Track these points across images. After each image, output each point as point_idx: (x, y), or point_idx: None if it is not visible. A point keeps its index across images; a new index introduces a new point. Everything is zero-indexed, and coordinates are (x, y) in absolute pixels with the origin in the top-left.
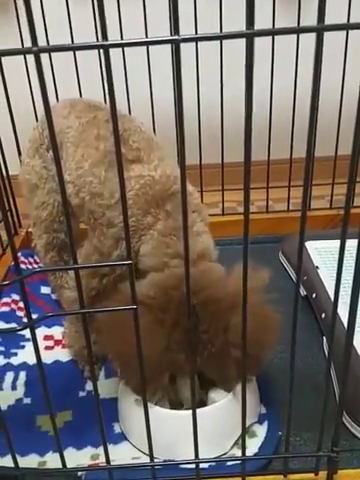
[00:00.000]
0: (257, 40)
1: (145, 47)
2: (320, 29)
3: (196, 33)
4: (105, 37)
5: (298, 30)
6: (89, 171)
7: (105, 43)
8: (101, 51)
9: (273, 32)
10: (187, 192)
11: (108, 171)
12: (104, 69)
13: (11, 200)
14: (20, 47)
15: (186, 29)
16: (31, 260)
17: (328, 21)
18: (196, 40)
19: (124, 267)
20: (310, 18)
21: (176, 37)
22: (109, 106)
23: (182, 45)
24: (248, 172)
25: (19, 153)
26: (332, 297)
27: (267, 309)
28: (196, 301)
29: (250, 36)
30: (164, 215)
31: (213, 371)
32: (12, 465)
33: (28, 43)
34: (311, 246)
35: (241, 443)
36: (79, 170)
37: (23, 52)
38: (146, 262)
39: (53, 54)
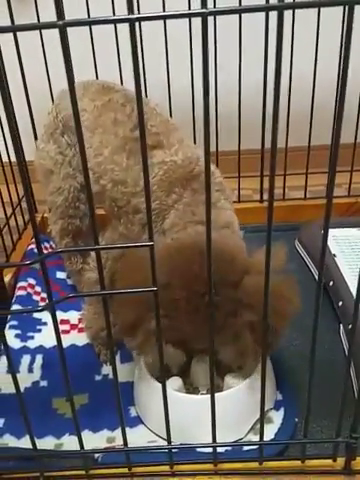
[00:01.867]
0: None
1: (162, 27)
2: (352, 2)
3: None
4: (131, 10)
5: (329, 3)
6: (110, 158)
7: (131, 17)
8: (119, 29)
9: (304, 5)
10: (211, 172)
11: (130, 158)
12: (122, 48)
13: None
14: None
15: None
16: (47, 245)
17: None
18: (225, 13)
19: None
20: None
21: (204, 10)
22: (126, 88)
23: (194, 28)
24: (273, 156)
25: (35, 138)
26: (349, 285)
27: (284, 280)
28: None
29: (281, 8)
30: (190, 193)
31: (226, 338)
32: (29, 447)
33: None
34: (329, 234)
35: (258, 428)
36: (98, 157)
37: (48, 26)
38: (169, 234)
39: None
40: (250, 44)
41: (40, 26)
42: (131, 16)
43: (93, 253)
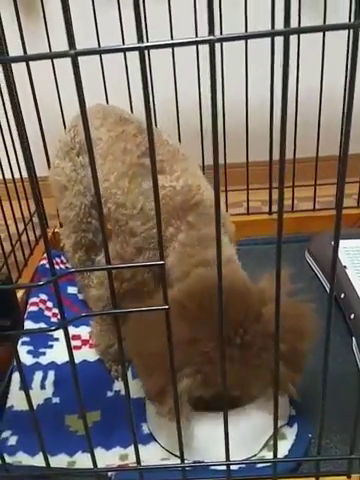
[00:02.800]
0: (279, 40)
1: (169, 50)
2: (358, 25)
3: (221, 34)
4: (141, 39)
5: (336, 27)
6: (115, 184)
7: (141, 45)
8: (128, 55)
9: (310, 30)
10: (211, 202)
11: (131, 183)
12: (131, 73)
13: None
14: (47, 51)
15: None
16: (58, 260)
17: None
18: (231, 40)
19: (145, 274)
20: (336, 17)
21: (211, 37)
22: (140, 118)
23: (205, 46)
24: (283, 171)
25: (47, 156)
26: None
27: (296, 301)
28: (225, 298)
29: (287, 34)
30: (186, 226)
31: (264, 375)
32: (42, 464)
33: (54, 48)
34: (339, 245)
35: (272, 445)
36: (106, 183)
37: (60, 55)
38: (170, 275)
39: (80, 58)
40: (257, 56)
41: (52, 56)
42: (141, 44)
43: (99, 272)
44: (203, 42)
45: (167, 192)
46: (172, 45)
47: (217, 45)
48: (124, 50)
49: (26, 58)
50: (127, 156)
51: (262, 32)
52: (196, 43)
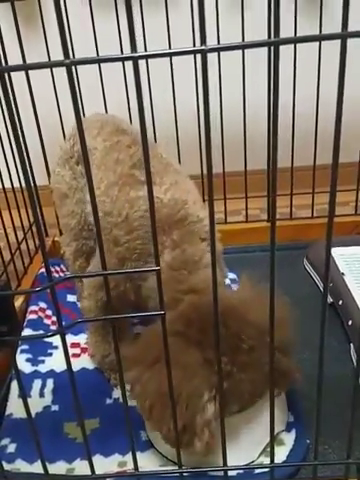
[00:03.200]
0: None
1: (168, 59)
2: (345, 36)
3: (218, 43)
4: (134, 49)
5: (323, 37)
6: (104, 192)
7: (134, 55)
8: (127, 64)
9: (298, 40)
10: (198, 218)
11: (120, 192)
12: (129, 81)
13: (38, 210)
14: (47, 61)
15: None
16: (57, 269)
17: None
18: (223, 50)
19: (127, 284)
20: (332, 26)
21: (203, 47)
22: (137, 129)
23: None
24: (274, 180)
25: (46, 165)
26: (359, 303)
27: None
28: (223, 317)
29: (276, 44)
30: (171, 244)
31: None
32: (41, 471)
33: (54, 57)
34: (336, 253)
35: (269, 451)
36: (96, 191)
37: (55, 65)
38: (157, 298)
39: (78, 67)
40: (255, 65)
41: (48, 65)
42: (134, 54)
43: (85, 282)
44: (195, 52)
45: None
46: (164, 55)
47: (214, 55)
48: (118, 60)
49: (22, 67)
50: (119, 166)
51: (253, 42)
52: (189, 53)
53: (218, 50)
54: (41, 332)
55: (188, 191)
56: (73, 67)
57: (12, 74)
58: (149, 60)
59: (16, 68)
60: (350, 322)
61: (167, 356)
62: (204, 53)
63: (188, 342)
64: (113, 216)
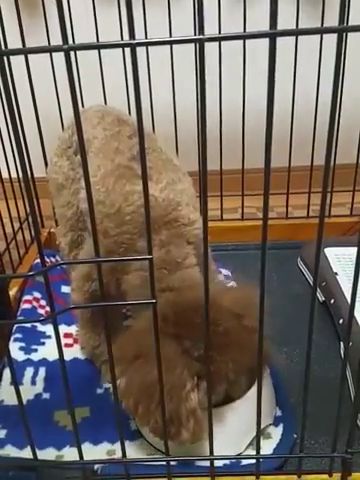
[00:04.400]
0: (279, 45)
1: (168, 50)
2: (342, 30)
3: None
4: (133, 36)
5: (321, 31)
6: (100, 180)
7: (132, 42)
8: (127, 53)
9: (296, 32)
10: (188, 221)
11: (116, 183)
12: (129, 71)
13: (34, 201)
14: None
15: (209, 31)
16: (53, 260)
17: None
18: (220, 39)
19: (109, 276)
20: (334, 20)
21: (201, 36)
22: (135, 112)
23: (206, 48)
24: (267, 180)
25: (44, 156)
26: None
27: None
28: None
29: (273, 36)
30: (158, 243)
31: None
32: (30, 457)
33: (55, 42)
34: (330, 252)
35: (256, 443)
36: (92, 178)
37: (53, 50)
38: (137, 295)
39: (79, 56)
40: (256, 61)
41: (46, 49)
42: (132, 41)
43: (73, 274)
44: (193, 41)
45: None
46: (163, 43)
47: (215, 50)
48: (116, 46)
49: (21, 51)
50: (117, 156)
51: (250, 33)
52: (186, 42)
53: (215, 40)
54: None
55: (183, 192)
56: (72, 54)
57: (12, 64)
58: (150, 55)
59: (15, 52)
60: (341, 321)
61: (158, 349)
62: (201, 42)
63: (165, 337)
64: (105, 206)
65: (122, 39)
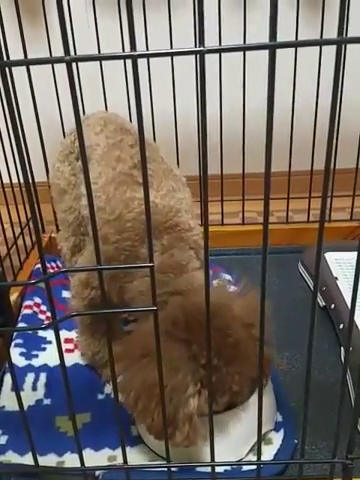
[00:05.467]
0: (279, 52)
1: (169, 59)
2: (340, 42)
3: (220, 44)
4: (134, 48)
5: (320, 42)
6: (101, 187)
7: (134, 53)
8: (128, 62)
9: (295, 44)
10: (188, 227)
11: (117, 190)
12: (130, 80)
13: (35, 206)
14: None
15: (210, 41)
16: (53, 265)
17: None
18: (220, 51)
19: (111, 285)
20: (334, 32)
21: (201, 48)
22: (137, 121)
23: (206, 56)
24: (268, 185)
25: (45, 161)
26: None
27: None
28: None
29: (272, 48)
30: (160, 248)
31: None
32: (32, 463)
33: (56, 52)
34: (331, 257)
35: (257, 449)
36: (93, 185)
37: (55, 61)
38: (145, 301)
39: (80, 66)
40: (256, 68)
41: (49, 61)
42: (133, 53)
43: (72, 281)
44: (193, 53)
45: None
46: (163, 55)
47: (216, 58)
48: (117, 58)
49: (23, 62)
50: (119, 164)
51: (250, 45)
52: (186, 53)
53: (216, 51)
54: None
55: (182, 200)
56: (74, 65)
57: (14, 72)
58: (151, 63)
59: (17, 63)
60: (341, 326)
61: (158, 352)
62: (202, 54)
63: (174, 340)
64: (106, 213)
65: (123, 47)
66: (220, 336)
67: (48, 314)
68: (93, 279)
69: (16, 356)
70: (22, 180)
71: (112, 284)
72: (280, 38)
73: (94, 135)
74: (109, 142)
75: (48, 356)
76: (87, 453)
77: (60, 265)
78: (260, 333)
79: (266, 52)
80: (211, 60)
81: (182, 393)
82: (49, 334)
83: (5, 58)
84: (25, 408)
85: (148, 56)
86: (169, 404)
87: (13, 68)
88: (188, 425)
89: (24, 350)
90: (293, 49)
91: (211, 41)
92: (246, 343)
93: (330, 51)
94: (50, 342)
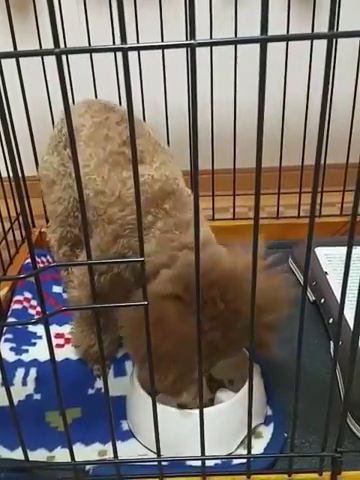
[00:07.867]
0: (271, 47)
1: (160, 53)
2: (331, 36)
3: (211, 38)
4: (124, 40)
5: (311, 36)
6: (94, 170)
7: (124, 46)
8: (118, 56)
9: (286, 38)
10: (186, 193)
11: (111, 171)
12: (120, 73)
13: (25, 200)
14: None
15: (201, 35)
16: (44, 259)
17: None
18: (211, 44)
19: (121, 265)
20: (325, 26)
21: (192, 41)
22: (126, 109)
23: (197, 50)
24: (259, 180)
25: (35, 155)
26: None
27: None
28: (215, 277)
29: (263, 41)
30: (163, 213)
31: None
32: (22, 458)
33: (46, 45)
34: (321, 252)
35: (247, 443)
36: (85, 168)
37: (45, 53)
38: (154, 261)
39: (70, 58)
40: (248, 63)
41: (38, 53)
42: (124, 45)
43: (76, 271)
44: (184, 46)
45: (146, 180)
46: (154, 47)
47: (207, 52)
48: (107, 50)
49: (12, 54)
50: (108, 143)
51: (241, 38)
52: (177, 46)
53: (207, 45)
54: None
55: (176, 170)
56: (64, 57)
57: (3, 65)
58: (142, 57)
59: (6, 55)
60: (331, 320)
61: (149, 346)
62: (193, 47)
63: (186, 309)
64: (106, 196)
65: (114, 40)
66: (231, 318)
67: (38, 309)
68: (99, 266)
69: (6, 351)
70: (11, 174)
71: (122, 265)
72: (271, 34)
73: (78, 117)
74: (95, 121)
75: (38, 351)
76: (77, 448)
77: (50, 259)
78: (250, 331)
79: (257, 47)
80: (202, 54)
81: (190, 370)
82: (39, 329)
83: None
84: (15, 403)
85: (139, 49)
86: (179, 365)
87: (2, 61)
88: (194, 388)
89: (14, 345)
90: (284, 45)
91: (202, 35)
92: (245, 315)
93: (321, 47)
94: (40, 337)
